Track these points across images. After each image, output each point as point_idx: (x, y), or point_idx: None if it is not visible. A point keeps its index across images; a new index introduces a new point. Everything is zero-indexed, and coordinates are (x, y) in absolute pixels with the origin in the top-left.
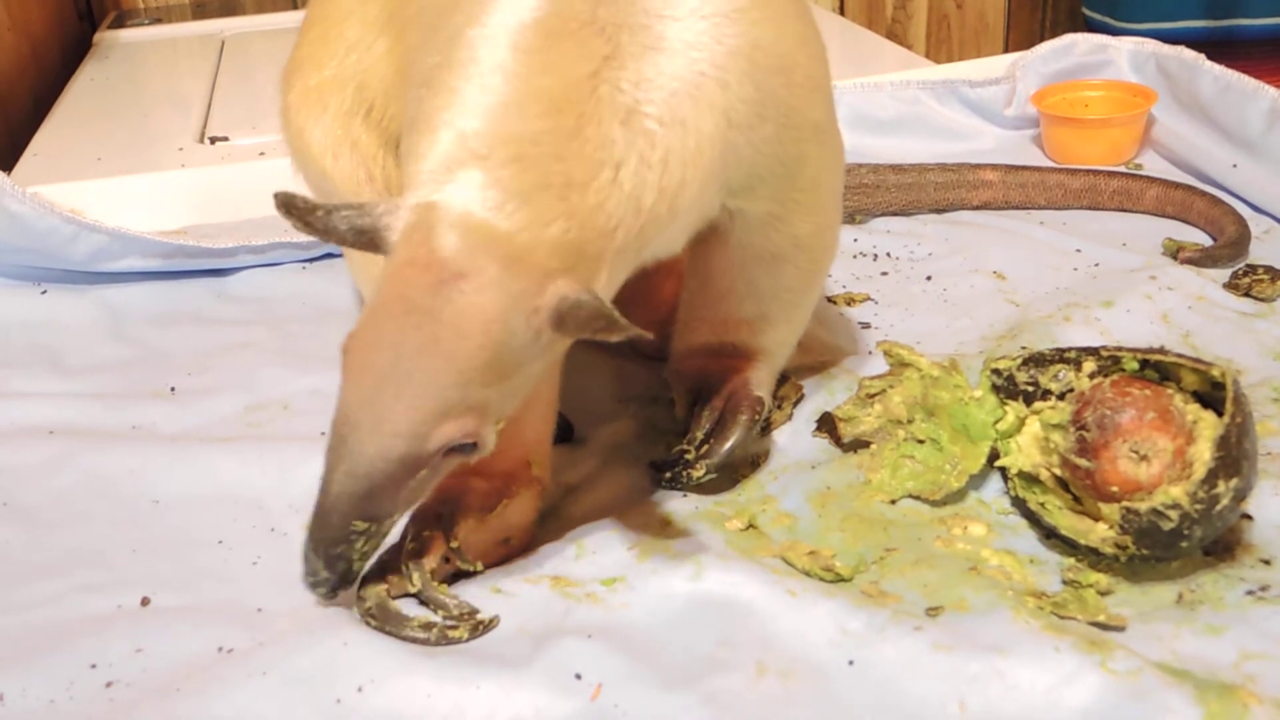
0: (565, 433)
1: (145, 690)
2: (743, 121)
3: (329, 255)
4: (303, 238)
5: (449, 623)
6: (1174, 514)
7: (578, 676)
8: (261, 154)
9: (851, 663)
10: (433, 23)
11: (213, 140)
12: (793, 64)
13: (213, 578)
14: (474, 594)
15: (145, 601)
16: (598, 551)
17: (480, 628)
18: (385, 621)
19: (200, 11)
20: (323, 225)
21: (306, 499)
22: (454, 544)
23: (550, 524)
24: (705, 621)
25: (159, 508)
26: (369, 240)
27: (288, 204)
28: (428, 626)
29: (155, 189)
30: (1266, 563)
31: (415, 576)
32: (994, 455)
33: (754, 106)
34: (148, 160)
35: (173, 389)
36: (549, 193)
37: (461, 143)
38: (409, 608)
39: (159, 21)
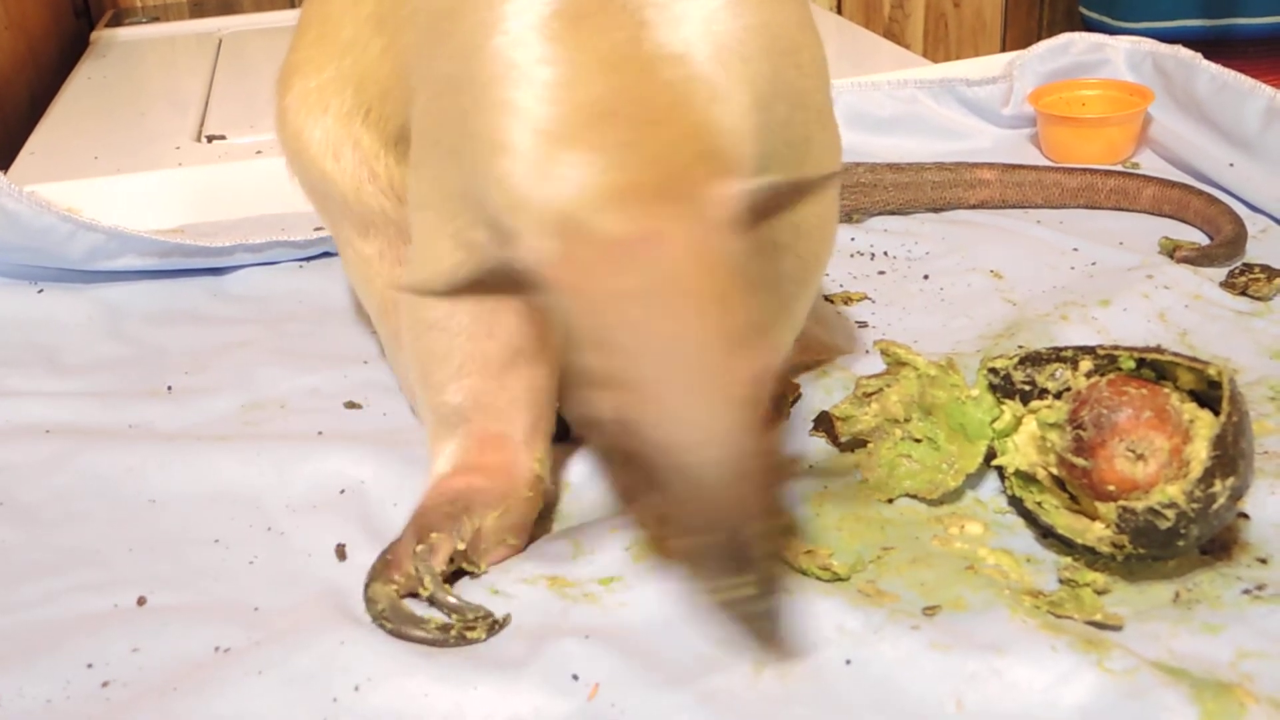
0: (562, 432)
1: (142, 690)
2: (760, 99)
3: (326, 254)
4: (300, 236)
5: (465, 623)
6: (1170, 513)
7: (575, 677)
8: (259, 152)
9: (849, 662)
10: (432, 24)
11: (210, 139)
12: (800, 45)
13: (210, 577)
14: (471, 595)
15: (142, 601)
16: (595, 551)
17: (495, 627)
18: (400, 623)
19: (198, 10)
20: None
21: (304, 498)
22: (461, 545)
23: (547, 523)
24: (702, 620)
25: (156, 507)
26: (530, 284)
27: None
28: (445, 628)
29: (152, 187)
30: (1263, 561)
31: (427, 580)
32: (991, 454)
33: (770, 84)
34: (145, 159)
35: (170, 388)
36: (659, 127)
37: (549, 139)
38: (418, 608)
39: (156, 20)
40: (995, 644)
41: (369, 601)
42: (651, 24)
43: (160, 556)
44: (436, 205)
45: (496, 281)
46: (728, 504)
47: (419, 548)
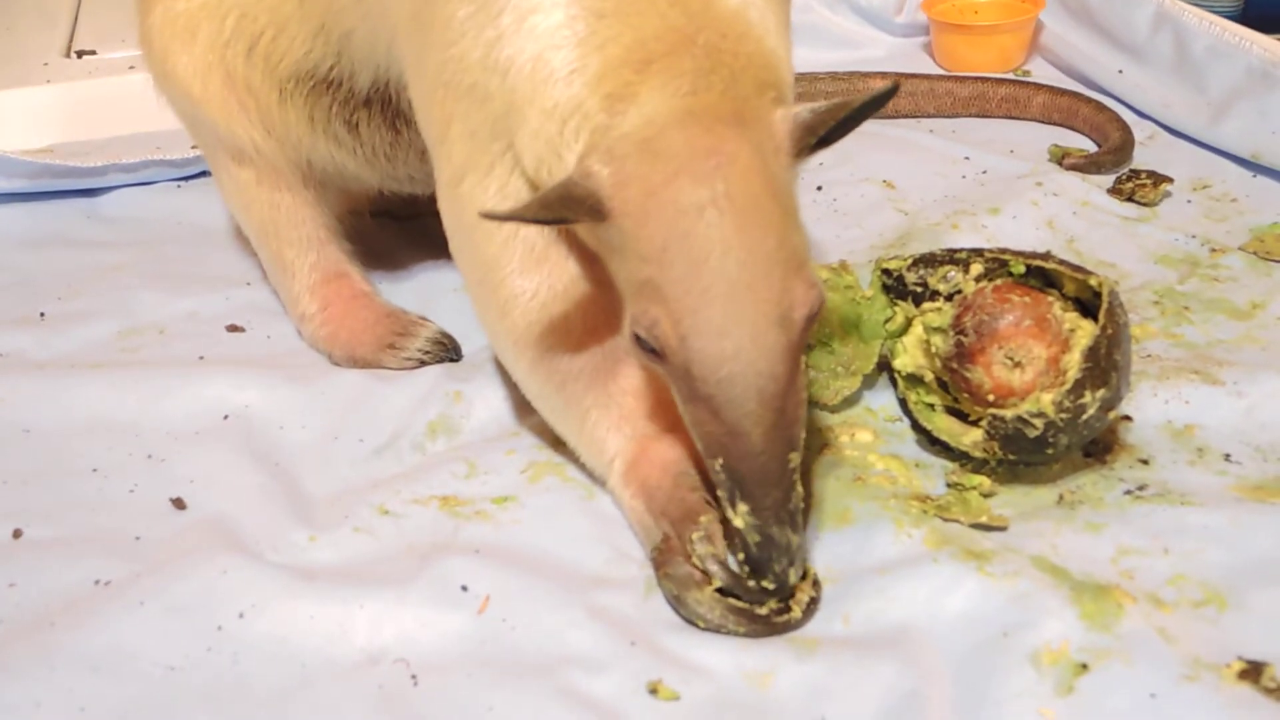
0: (454, 352)
1: (19, 625)
2: (783, 22)
3: (204, 174)
4: (177, 154)
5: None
6: (1039, 422)
7: (464, 588)
8: (131, 68)
9: None
10: None
11: (80, 54)
12: None
13: (87, 507)
14: (360, 514)
15: (17, 534)
16: (490, 472)
17: (813, 606)
18: (748, 621)
19: None
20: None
21: (185, 424)
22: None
23: (440, 442)
24: (596, 539)
25: (29, 437)
26: (591, 208)
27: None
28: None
29: (19, 106)
30: (1145, 462)
31: (716, 569)
32: (885, 360)
33: (783, 7)
34: (10, 76)
35: (42, 314)
36: (726, 55)
37: (612, 72)
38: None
39: None
40: (879, 557)
41: (698, 617)
42: None
43: (35, 488)
44: (459, 140)
45: (561, 206)
46: (760, 423)
47: (695, 536)
